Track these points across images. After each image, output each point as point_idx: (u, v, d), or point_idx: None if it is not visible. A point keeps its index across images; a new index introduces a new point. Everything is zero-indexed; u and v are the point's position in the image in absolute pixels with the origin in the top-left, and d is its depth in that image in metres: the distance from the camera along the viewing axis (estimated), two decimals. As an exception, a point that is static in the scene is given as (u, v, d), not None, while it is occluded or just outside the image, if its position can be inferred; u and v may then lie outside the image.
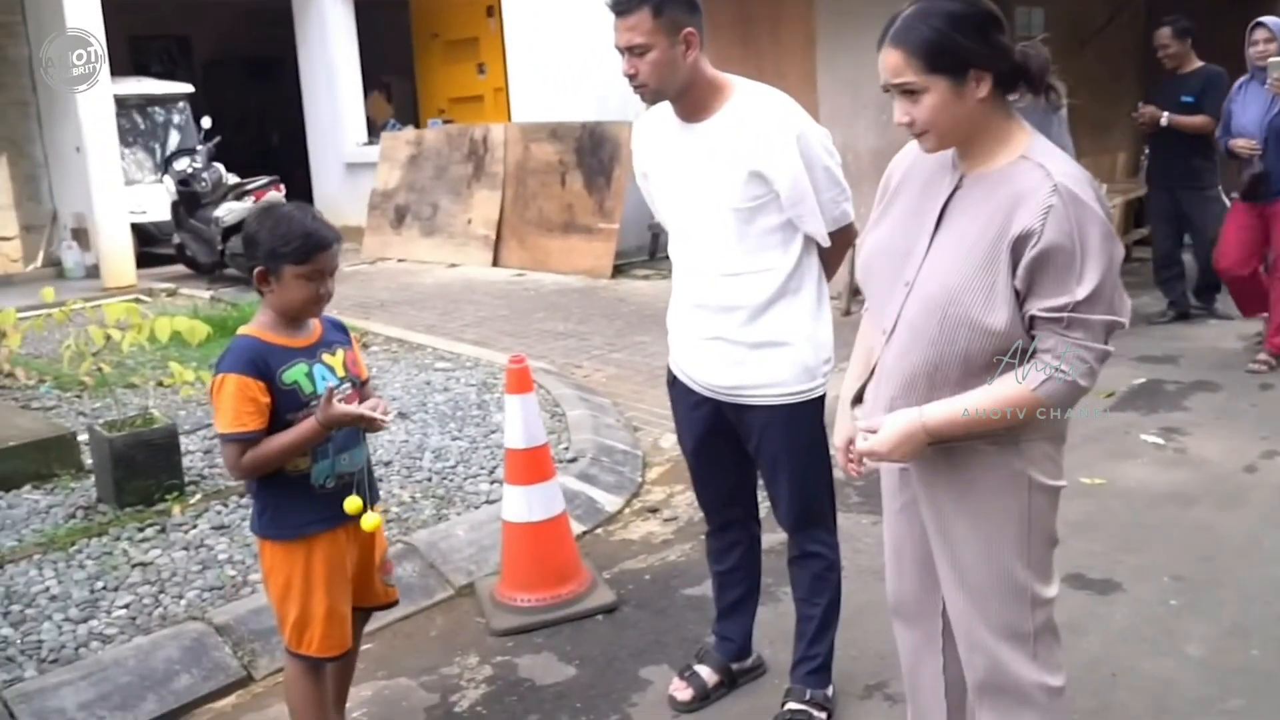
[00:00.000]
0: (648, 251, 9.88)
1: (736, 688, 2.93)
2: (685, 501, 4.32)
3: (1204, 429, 4.81)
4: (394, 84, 13.50)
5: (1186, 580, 3.41)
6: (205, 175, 9.78)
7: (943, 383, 1.88)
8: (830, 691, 2.76)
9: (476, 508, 4.10)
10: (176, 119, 11.86)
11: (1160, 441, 4.70)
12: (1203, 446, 4.60)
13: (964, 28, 1.80)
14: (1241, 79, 5.67)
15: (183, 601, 3.39)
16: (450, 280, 9.52)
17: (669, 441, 5.02)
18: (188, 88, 12.08)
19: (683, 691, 2.88)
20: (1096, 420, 4.95)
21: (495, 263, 9.87)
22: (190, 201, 9.82)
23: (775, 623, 3.20)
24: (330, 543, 2.46)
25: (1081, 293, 1.76)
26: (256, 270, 2.37)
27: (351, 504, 2.42)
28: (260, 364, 2.33)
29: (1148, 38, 8.86)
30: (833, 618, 2.76)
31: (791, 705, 2.71)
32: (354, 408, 2.36)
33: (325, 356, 2.43)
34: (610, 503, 4.28)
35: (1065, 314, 1.78)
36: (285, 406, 2.35)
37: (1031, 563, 1.97)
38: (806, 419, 2.59)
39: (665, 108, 2.59)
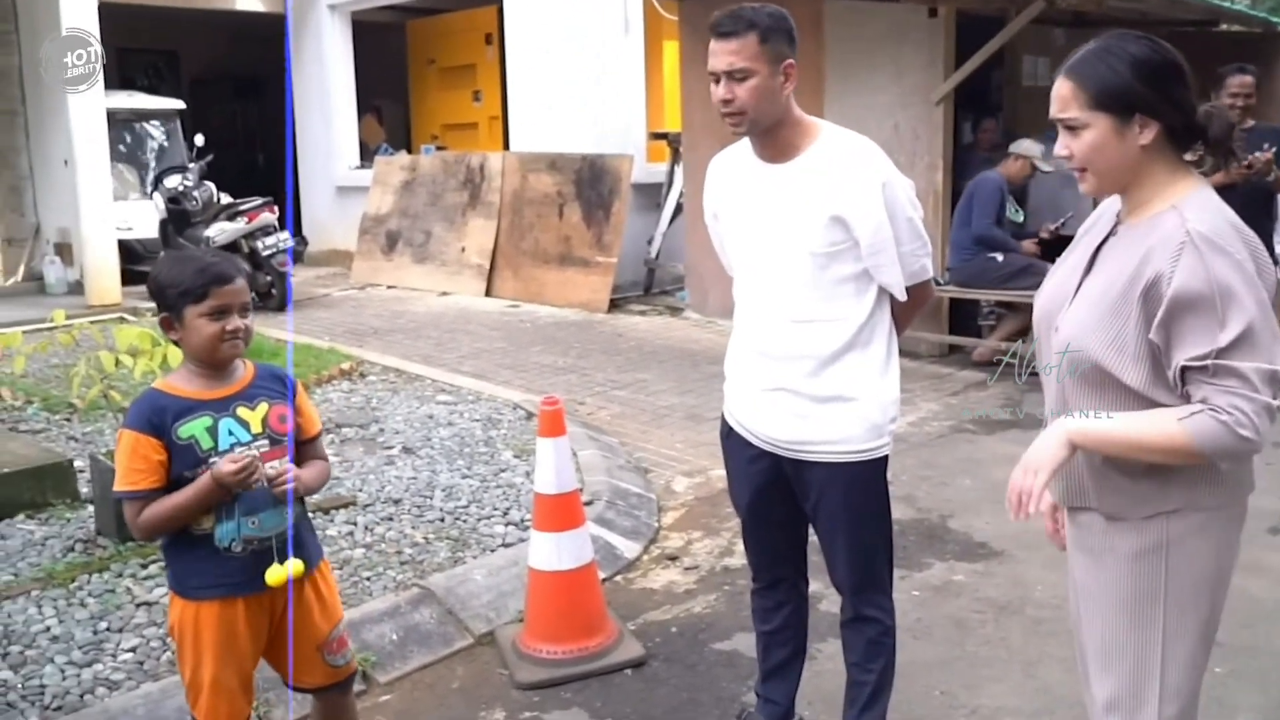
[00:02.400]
0: (643, 287, 9.82)
1: (780, 753, 2.82)
2: (704, 549, 4.22)
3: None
4: (385, 108, 13.39)
5: (1227, 646, 3.31)
6: (196, 194, 9.61)
7: None
8: (878, 762, 2.66)
9: (493, 551, 3.97)
10: (166, 135, 11.68)
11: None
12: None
13: (1142, 72, 1.76)
14: None
15: (193, 645, 3.23)
16: (443, 309, 9.39)
17: (681, 485, 4.93)
18: (179, 104, 11.92)
19: (726, 756, 2.77)
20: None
21: (488, 292, 9.76)
22: (180, 220, 9.65)
23: (813, 681, 3.09)
24: (225, 611, 2.25)
25: (1225, 339, 1.67)
26: (161, 318, 2.24)
27: (273, 576, 2.22)
28: (156, 419, 2.18)
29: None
30: (886, 684, 2.66)
31: (843, 775, 2.61)
32: (234, 461, 2.14)
33: (240, 410, 2.25)
34: (629, 549, 4.16)
35: (1210, 361, 1.68)
36: (181, 463, 2.18)
37: (1175, 640, 1.87)
38: (869, 479, 2.50)
39: (742, 148, 2.51)
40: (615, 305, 9.17)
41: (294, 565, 2.27)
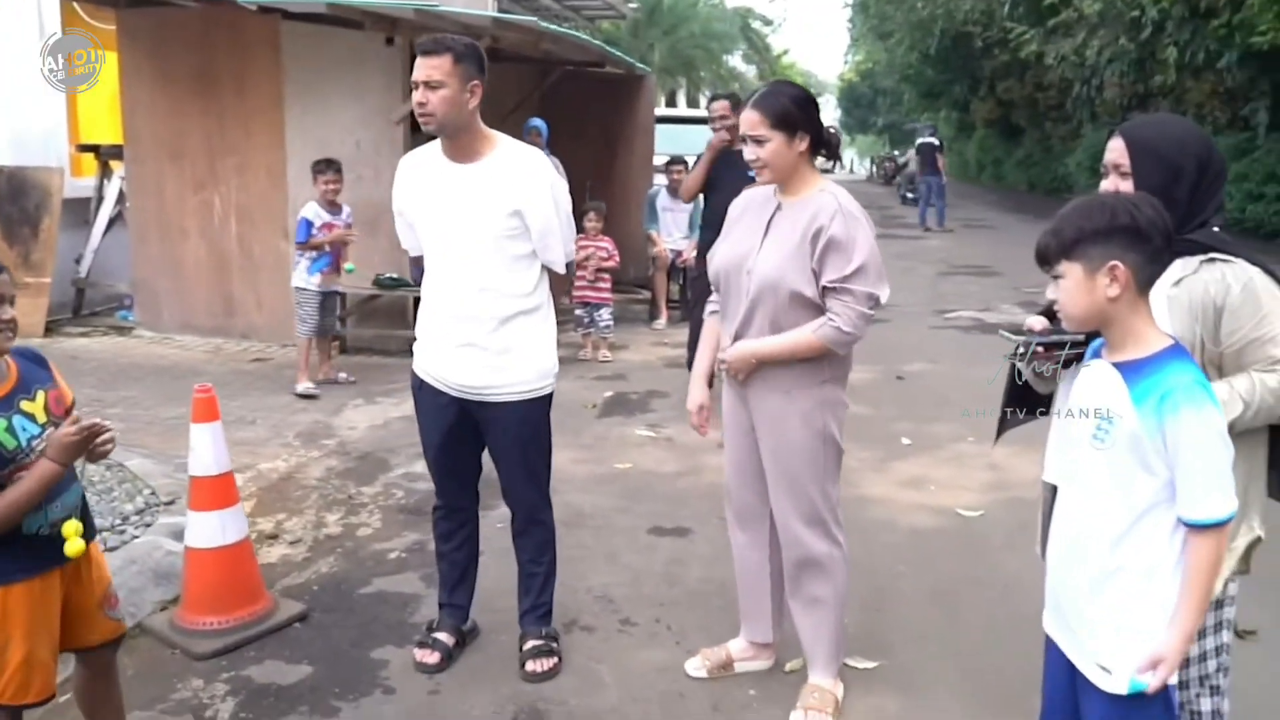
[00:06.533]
0: (72, 308, 9.19)
1: (465, 647, 3.45)
2: (297, 526, 4.59)
3: (675, 423, 6.22)
4: None
5: (718, 522, 4.63)
6: None
7: (779, 332, 2.84)
8: (555, 629, 3.43)
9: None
10: None
11: (651, 434, 6.02)
12: (679, 434, 5.98)
13: (800, 103, 2.80)
14: None
15: None
16: None
17: (240, 480, 5.12)
18: None
19: (429, 657, 3.33)
20: (600, 425, 6.16)
21: (-127, 325, 8.42)
22: None
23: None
24: (36, 588, 2.35)
25: (849, 269, 2.76)
26: None
27: (73, 548, 2.33)
28: None
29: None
30: (554, 572, 3.43)
31: (533, 642, 3.33)
32: (79, 428, 2.25)
33: (24, 404, 2.30)
34: (228, 536, 4.37)
35: (838, 283, 2.77)
36: None
37: (825, 468, 2.94)
38: (540, 412, 3.25)
39: (431, 151, 3.10)
40: (48, 329, 8.54)
41: (74, 526, 2.35)
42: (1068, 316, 1.96)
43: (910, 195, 23.86)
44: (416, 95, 2.97)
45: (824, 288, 2.80)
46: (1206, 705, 2.40)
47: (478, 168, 3.08)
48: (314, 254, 6.74)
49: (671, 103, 25.58)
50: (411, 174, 3.20)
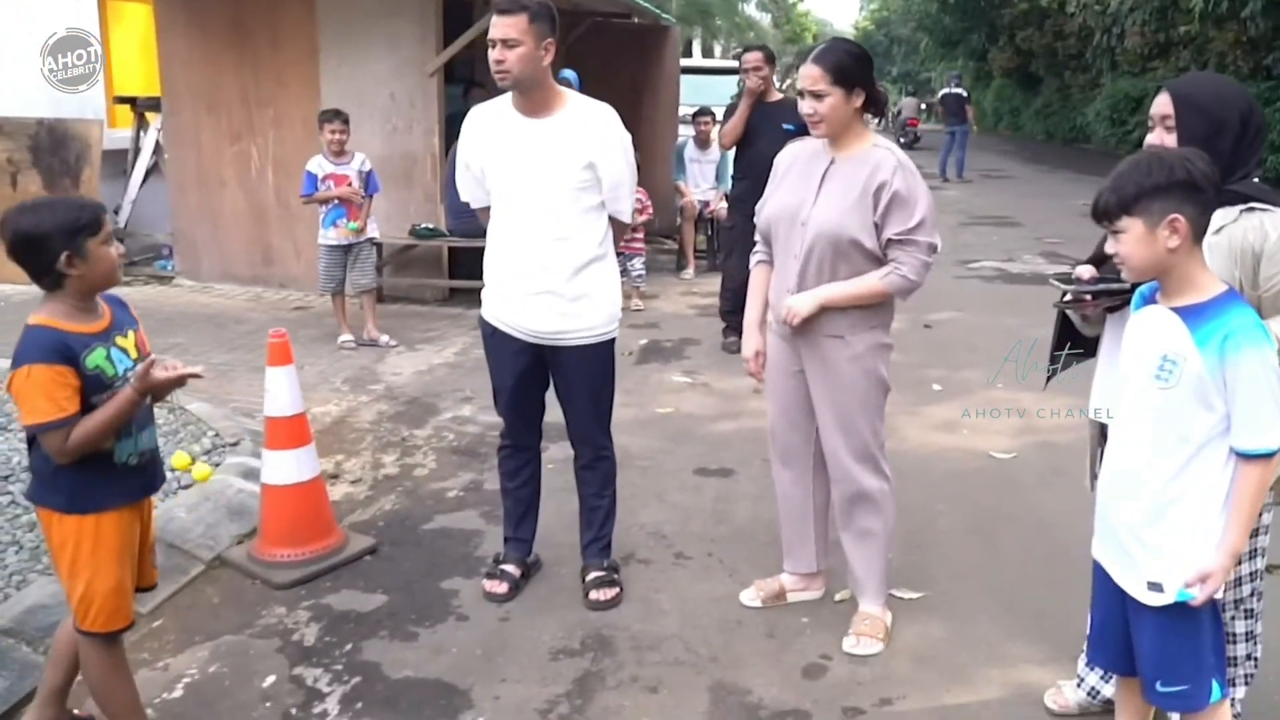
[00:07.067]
0: (111, 257, 9.35)
1: (530, 579, 3.65)
2: (357, 466, 4.78)
3: (709, 369, 6.40)
4: None
5: (760, 464, 4.81)
6: None
7: (834, 280, 2.99)
8: (616, 561, 3.63)
9: (174, 494, 4.17)
10: None
11: (688, 380, 6.19)
12: (715, 380, 6.16)
13: (859, 59, 2.92)
14: None
15: (-60, 615, 3.15)
16: None
17: (293, 424, 5.33)
18: None
19: (498, 587, 3.52)
20: (639, 371, 6.33)
21: (-82, 274, 8.61)
22: None
23: (522, 533, 3.93)
24: (126, 518, 2.51)
25: (913, 222, 2.91)
26: (65, 256, 2.34)
27: (200, 472, 2.53)
28: (65, 351, 2.34)
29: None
30: (614, 507, 3.62)
31: (595, 573, 3.53)
32: (174, 372, 2.42)
33: (119, 339, 2.47)
34: (292, 476, 4.57)
35: (904, 235, 2.92)
36: (90, 390, 2.37)
37: (876, 407, 3.13)
38: (608, 353, 3.43)
39: (498, 106, 3.23)
40: (89, 278, 8.71)
41: (203, 468, 2.59)
42: (1130, 268, 2.10)
43: (902, 140, 24.48)
44: (494, 53, 3.08)
45: (888, 240, 2.94)
46: (1241, 627, 2.59)
47: (551, 122, 3.21)
48: (322, 208, 6.72)
49: (687, 53, 25.45)
50: (482, 127, 3.31)
